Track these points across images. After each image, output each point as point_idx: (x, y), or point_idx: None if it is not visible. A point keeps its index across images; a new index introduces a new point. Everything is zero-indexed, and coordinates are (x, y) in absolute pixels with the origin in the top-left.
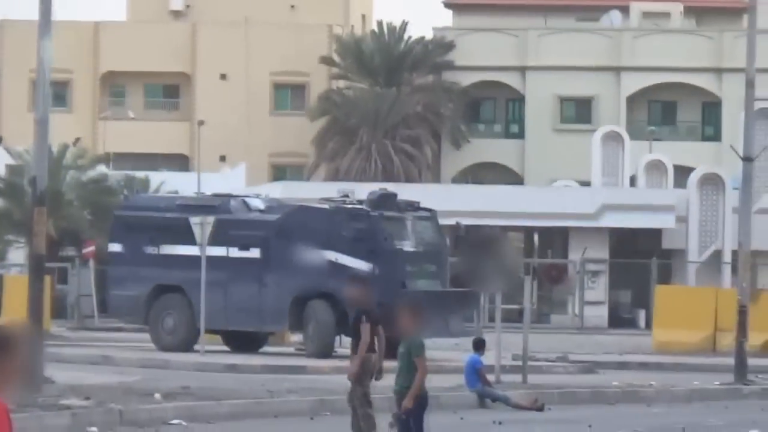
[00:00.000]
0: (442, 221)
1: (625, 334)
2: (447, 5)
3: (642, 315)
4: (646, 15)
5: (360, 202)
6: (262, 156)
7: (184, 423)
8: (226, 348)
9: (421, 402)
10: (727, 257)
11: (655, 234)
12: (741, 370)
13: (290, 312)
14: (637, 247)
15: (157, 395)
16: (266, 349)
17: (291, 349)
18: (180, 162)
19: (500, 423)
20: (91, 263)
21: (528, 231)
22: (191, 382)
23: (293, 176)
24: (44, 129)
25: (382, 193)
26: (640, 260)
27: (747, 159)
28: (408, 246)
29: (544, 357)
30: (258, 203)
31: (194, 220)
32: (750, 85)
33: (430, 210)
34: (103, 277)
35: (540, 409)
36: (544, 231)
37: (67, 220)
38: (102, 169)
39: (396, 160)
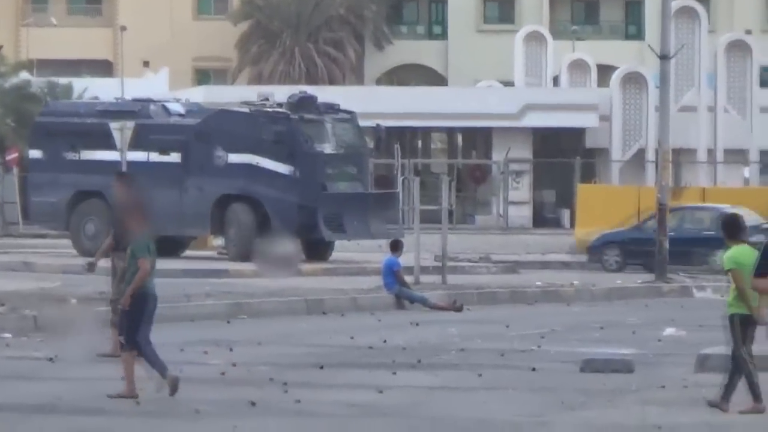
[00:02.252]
0: (365, 123)
1: (549, 234)
2: None
3: (566, 215)
4: None
5: (280, 105)
6: (185, 61)
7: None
8: None
9: (138, 302)
10: (651, 156)
11: (579, 133)
12: (661, 267)
13: (211, 216)
14: (560, 146)
15: (73, 300)
16: (188, 253)
17: (213, 253)
18: (103, 68)
19: (417, 324)
20: (15, 170)
21: (451, 132)
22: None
23: (217, 81)
24: None
25: (301, 96)
26: (563, 159)
27: (664, 57)
28: (328, 148)
29: (467, 258)
30: (178, 108)
31: (114, 126)
32: None
33: (350, 112)
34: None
35: (458, 309)
36: (467, 131)
37: None
38: (25, 76)
39: (319, 63)
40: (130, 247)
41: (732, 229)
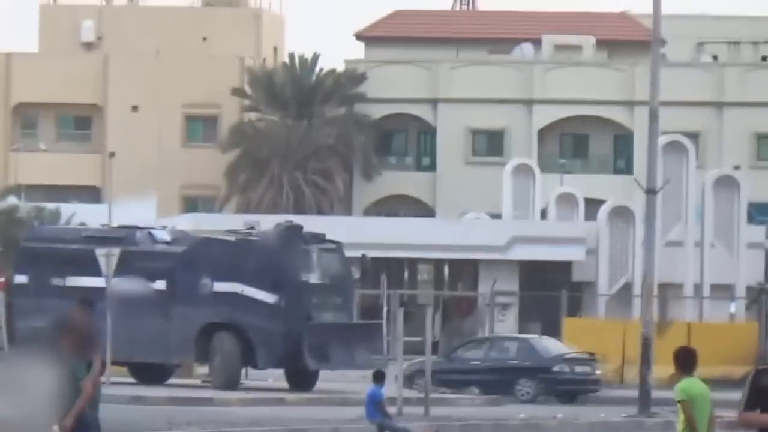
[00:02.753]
0: (352, 254)
1: None
2: (358, 38)
3: None
4: (558, 48)
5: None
6: (173, 188)
7: None
8: (132, 380)
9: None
10: (637, 290)
11: (565, 266)
12: (645, 402)
13: (196, 343)
14: (547, 279)
15: (55, 427)
16: (173, 380)
17: (198, 381)
18: (91, 194)
19: None
20: (1, 295)
21: (438, 263)
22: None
23: (205, 208)
24: None
25: (287, 225)
26: (550, 292)
27: (650, 191)
28: (313, 278)
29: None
30: (164, 235)
31: (100, 252)
32: (653, 117)
33: (335, 242)
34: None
35: None
36: (453, 263)
37: None
38: (12, 200)
39: (307, 193)
40: (69, 368)
41: (684, 360)
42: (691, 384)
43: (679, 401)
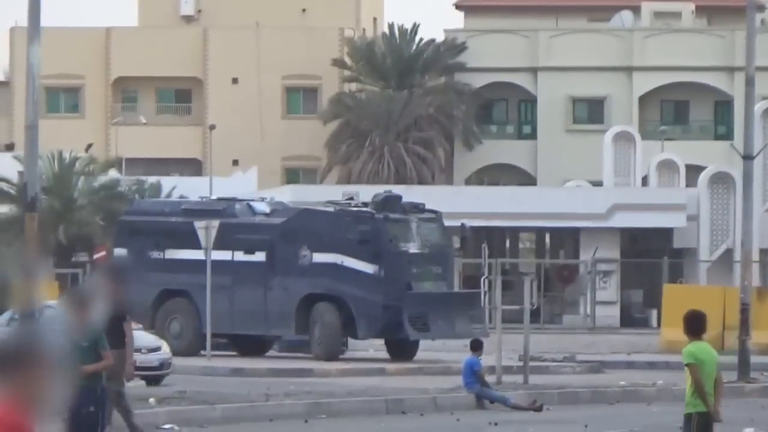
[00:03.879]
0: (453, 223)
1: (637, 334)
2: (458, 7)
3: (654, 314)
4: (657, 15)
5: (365, 204)
6: (274, 160)
7: (176, 427)
8: (233, 352)
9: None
10: (738, 256)
11: (666, 233)
12: (744, 367)
13: (296, 315)
14: (648, 246)
15: (152, 400)
16: (273, 353)
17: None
18: (193, 166)
19: (496, 424)
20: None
21: (539, 232)
22: (196, 386)
23: (306, 180)
24: (34, 135)
25: (386, 195)
26: (651, 260)
27: (748, 157)
28: (413, 248)
29: (552, 357)
30: (263, 207)
31: (199, 225)
32: (750, 83)
33: (435, 212)
34: None
35: (538, 409)
36: (555, 231)
37: (78, 226)
38: (114, 174)
39: (408, 163)
40: (92, 336)
41: (692, 325)
42: (700, 348)
43: (687, 364)
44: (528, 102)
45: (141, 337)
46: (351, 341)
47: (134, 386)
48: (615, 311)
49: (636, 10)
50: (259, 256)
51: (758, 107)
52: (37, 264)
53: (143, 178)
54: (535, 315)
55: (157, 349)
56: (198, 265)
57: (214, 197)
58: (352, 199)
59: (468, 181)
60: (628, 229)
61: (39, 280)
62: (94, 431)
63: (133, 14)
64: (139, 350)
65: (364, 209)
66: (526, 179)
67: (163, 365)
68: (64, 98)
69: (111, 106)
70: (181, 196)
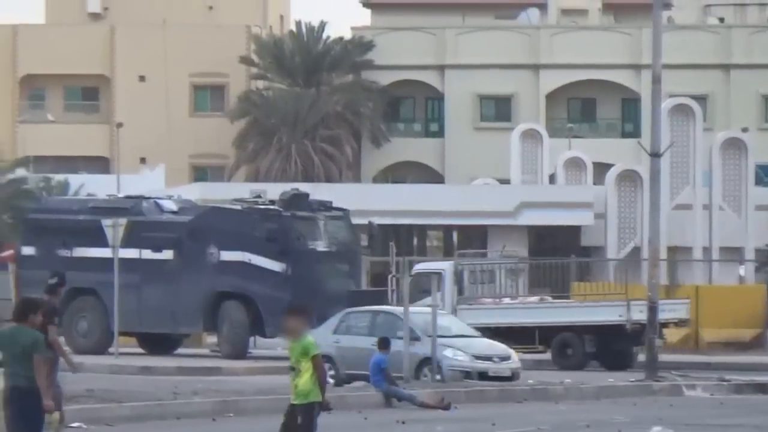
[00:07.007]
0: (361, 221)
1: None
2: (365, 5)
3: None
4: (564, 12)
5: (272, 202)
6: (182, 158)
7: (84, 426)
8: (141, 350)
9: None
10: (646, 254)
11: (574, 231)
12: (651, 366)
13: (204, 313)
14: (556, 244)
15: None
16: (182, 350)
17: (206, 351)
18: (100, 164)
19: (403, 422)
20: (10, 267)
21: (447, 229)
22: (103, 384)
23: (214, 178)
24: None
25: (293, 193)
26: (559, 258)
27: (655, 155)
28: (321, 246)
29: None
30: (170, 205)
31: (106, 222)
32: (656, 80)
33: (342, 210)
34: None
35: (446, 408)
36: (462, 229)
37: None
38: (21, 172)
39: (316, 160)
40: (35, 342)
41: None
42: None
43: (314, 355)
44: (435, 100)
45: None
46: (259, 340)
47: None
48: None
49: (543, 7)
50: (167, 254)
51: (665, 105)
52: None
53: (51, 175)
54: None
55: None
56: (106, 264)
57: (121, 195)
58: (259, 197)
59: (376, 179)
60: (535, 227)
61: None
62: None
63: (40, 11)
64: None
65: (272, 207)
66: (434, 177)
67: None
68: None
69: (18, 103)
70: (89, 194)
